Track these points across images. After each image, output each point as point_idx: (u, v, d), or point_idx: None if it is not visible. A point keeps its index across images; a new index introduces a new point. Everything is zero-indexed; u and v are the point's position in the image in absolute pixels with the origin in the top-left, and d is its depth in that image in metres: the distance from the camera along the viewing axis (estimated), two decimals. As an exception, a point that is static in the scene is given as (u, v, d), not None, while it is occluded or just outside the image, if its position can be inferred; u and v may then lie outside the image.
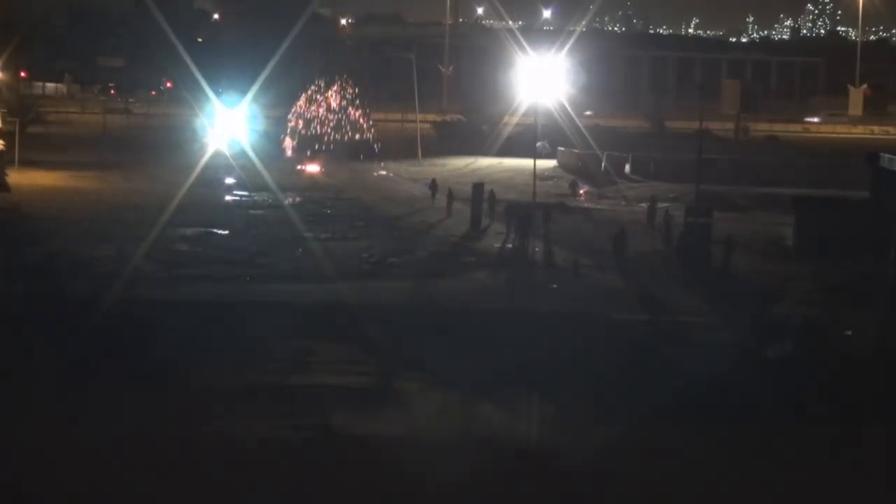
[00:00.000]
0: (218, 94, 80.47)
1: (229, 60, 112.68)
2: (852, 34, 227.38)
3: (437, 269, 42.24)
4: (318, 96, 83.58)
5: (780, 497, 22.75)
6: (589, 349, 31.46)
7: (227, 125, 72.22)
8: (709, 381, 29.11)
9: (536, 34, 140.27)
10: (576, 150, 74.88)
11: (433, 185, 59.98)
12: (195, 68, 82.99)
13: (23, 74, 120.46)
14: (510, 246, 46.49)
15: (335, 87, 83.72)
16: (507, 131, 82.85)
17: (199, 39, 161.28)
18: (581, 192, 63.35)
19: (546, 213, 50.43)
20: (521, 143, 74.96)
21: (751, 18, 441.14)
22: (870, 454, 24.90)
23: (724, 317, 36.00)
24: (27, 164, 64.97)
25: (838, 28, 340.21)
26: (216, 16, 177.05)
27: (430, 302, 36.90)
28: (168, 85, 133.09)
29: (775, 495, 22.78)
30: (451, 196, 55.06)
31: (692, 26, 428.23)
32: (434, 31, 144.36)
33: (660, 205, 55.36)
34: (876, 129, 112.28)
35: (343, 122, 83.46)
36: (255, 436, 24.54)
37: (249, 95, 78.01)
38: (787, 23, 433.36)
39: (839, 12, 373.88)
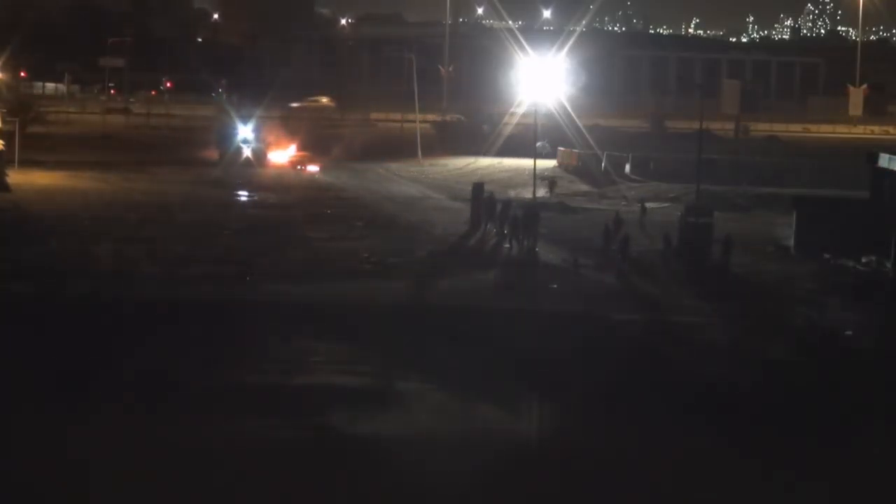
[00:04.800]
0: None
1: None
2: (852, 34, 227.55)
3: (437, 268, 42.23)
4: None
5: (780, 497, 22.75)
6: (589, 349, 31.48)
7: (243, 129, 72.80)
8: (708, 381, 29.13)
9: (536, 34, 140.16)
10: (576, 150, 74.84)
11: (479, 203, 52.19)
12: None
13: (23, 74, 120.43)
14: (510, 246, 46.48)
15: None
16: (507, 131, 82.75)
17: (199, 40, 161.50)
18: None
19: (531, 213, 50.25)
20: (521, 143, 74.87)
21: (751, 18, 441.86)
22: (870, 454, 24.89)
23: (723, 317, 35.99)
24: (27, 164, 64.94)
25: (838, 28, 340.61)
26: (216, 16, 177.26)
27: (429, 302, 36.92)
28: (168, 85, 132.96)
29: (776, 495, 22.78)
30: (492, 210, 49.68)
31: (692, 26, 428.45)
32: (434, 31, 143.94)
33: (649, 205, 55.30)
34: (876, 129, 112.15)
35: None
36: (255, 436, 24.54)
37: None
38: (787, 23, 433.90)
39: (839, 12, 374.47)
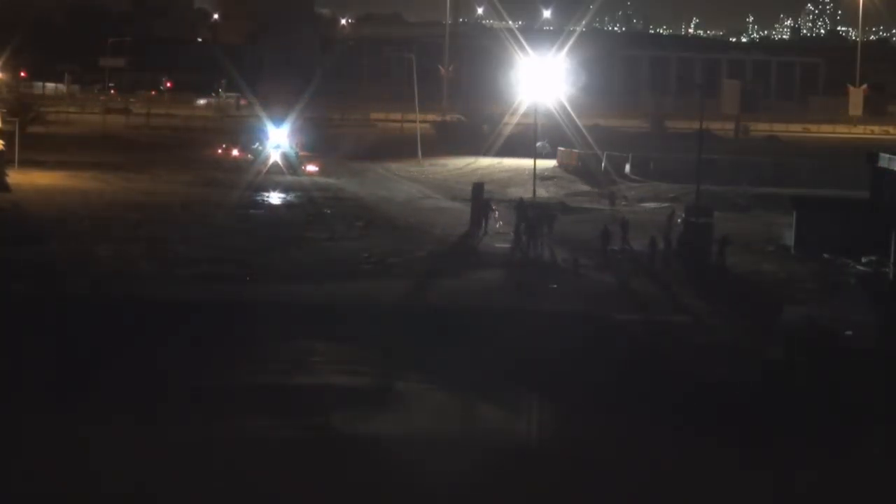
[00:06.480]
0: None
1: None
2: (852, 34, 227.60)
3: (437, 268, 42.22)
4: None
5: (780, 496, 22.76)
6: (589, 349, 31.49)
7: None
8: (708, 381, 29.14)
9: (536, 34, 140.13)
10: (576, 150, 74.84)
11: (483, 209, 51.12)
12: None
13: (23, 74, 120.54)
14: (510, 246, 46.49)
15: None
16: (507, 131, 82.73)
17: (199, 40, 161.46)
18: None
19: (546, 214, 50.31)
20: (521, 143, 74.85)
21: (751, 18, 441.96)
22: (870, 453, 24.90)
23: (723, 317, 36.00)
24: (27, 164, 64.93)
25: (838, 28, 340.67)
26: (216, 16, 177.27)
27: (429, 302, 36.92)
28: (168, 85, 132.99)
29: (776, 495, 22.78)
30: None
31: (692, 26, 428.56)
32: (434, 31, 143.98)
33: (649, 205, 55.07)
34: (876, 129, 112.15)
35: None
36: (255, 435, 24.55)
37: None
38: (787, 23, 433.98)
39: (839, 12, 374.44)
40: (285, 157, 68.87)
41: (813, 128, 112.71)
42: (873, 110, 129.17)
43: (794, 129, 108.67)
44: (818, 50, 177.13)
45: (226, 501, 21.63)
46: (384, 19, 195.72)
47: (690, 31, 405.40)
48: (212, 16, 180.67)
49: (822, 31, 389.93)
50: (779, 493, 22.82)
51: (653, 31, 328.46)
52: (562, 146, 76.70)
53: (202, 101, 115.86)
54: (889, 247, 43.07)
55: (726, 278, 41.96)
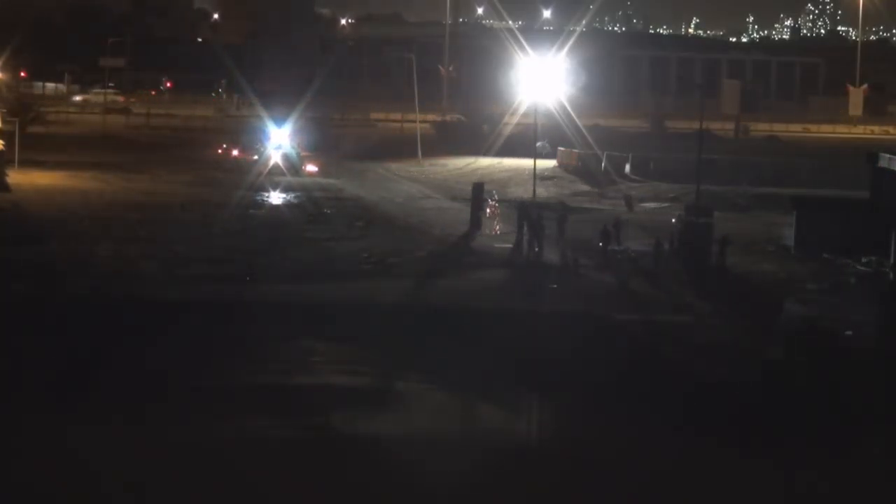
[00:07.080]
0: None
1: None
2: (852, 34, 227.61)
3: (437, 268, 42.23)
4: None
5: (780, 496, 22.76)
6: (589, 349, 31.49)
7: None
8: (708, 381, 29.14)
9: (536, 34, 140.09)
10: (576, 150, 74.84)
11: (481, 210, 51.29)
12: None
13: (23, 74, 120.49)
14: (510, 246, 46.47)
15: None
16: (507, 131, 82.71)
17: (199, 39, 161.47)
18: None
19: (559, 215, 50.27)
20: (521, 143, 74.85)
21: (751, 18, 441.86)
22: (871, 453, 24.90)
23: (723, 317, 36.00)
24: (27, 164, 64.94)
25: (838, 28, 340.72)
26: (216, 16, 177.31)
27: (429, 302, 36.91)
28: (168, 85, 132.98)
29: (775, 495, 22.78)
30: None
31: (692, 26, 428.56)
32: (434, 31, 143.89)
33: (649, 205, 54.98)
34: (876, 129, 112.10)
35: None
36: (255, 436, 24.55)
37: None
38: (787, 23, 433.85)
39: (839, 12, 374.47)
40: (286, 157, 68.50)
41: (813, 128, 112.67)
42: (873, 110, 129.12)
43: (794, 129, 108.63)
44: (818, 50, 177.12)
45: (226, 501, 21.64)
46: (384, 19, 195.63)
47: (690, 31, 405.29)
48: (212, 16, 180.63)
49: (822, 31, 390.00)
50: (779, 493, 22.81)
51: (653, 31, 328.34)
52: (562, 146, 76.67)
53: (79, 98, 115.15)
54: (889, 247, 43.09)
55: (726, 278, 41.96)
